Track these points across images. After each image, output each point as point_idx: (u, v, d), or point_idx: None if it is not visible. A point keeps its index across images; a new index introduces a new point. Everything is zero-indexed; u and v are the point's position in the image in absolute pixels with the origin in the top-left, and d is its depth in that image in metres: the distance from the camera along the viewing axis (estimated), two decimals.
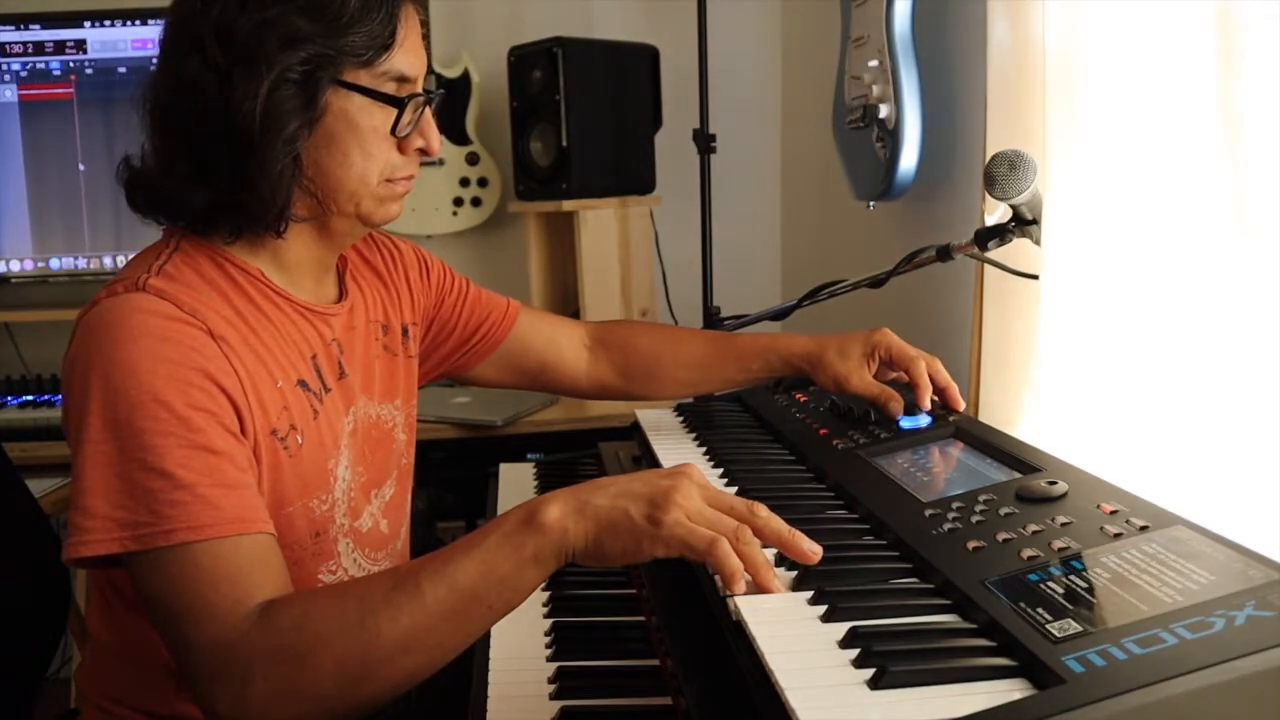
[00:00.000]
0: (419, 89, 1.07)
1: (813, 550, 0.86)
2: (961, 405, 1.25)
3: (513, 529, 0.86)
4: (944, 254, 1.36)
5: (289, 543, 1.04)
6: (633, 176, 2.38)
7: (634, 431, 1.50)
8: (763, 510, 0.87)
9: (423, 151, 1.09)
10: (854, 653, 0.71)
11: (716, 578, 0.84)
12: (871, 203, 1.79)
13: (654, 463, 1.30)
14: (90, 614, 1.15)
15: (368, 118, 1.03)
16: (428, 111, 1.08)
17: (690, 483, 0.86)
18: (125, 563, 0.92)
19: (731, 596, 0.82)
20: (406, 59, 1.04)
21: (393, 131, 1.05)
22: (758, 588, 0.83)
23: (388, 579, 0.87)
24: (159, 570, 0.89)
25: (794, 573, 0.86)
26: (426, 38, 2.53)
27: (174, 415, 0.91)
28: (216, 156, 0.99)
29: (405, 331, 1.29)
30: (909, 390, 1.24)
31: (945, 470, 1.07)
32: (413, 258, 1.33)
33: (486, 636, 1.08)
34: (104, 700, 1.11)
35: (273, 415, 1.02)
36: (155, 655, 1.02)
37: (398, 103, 1.04)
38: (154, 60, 1.05)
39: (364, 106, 1.03)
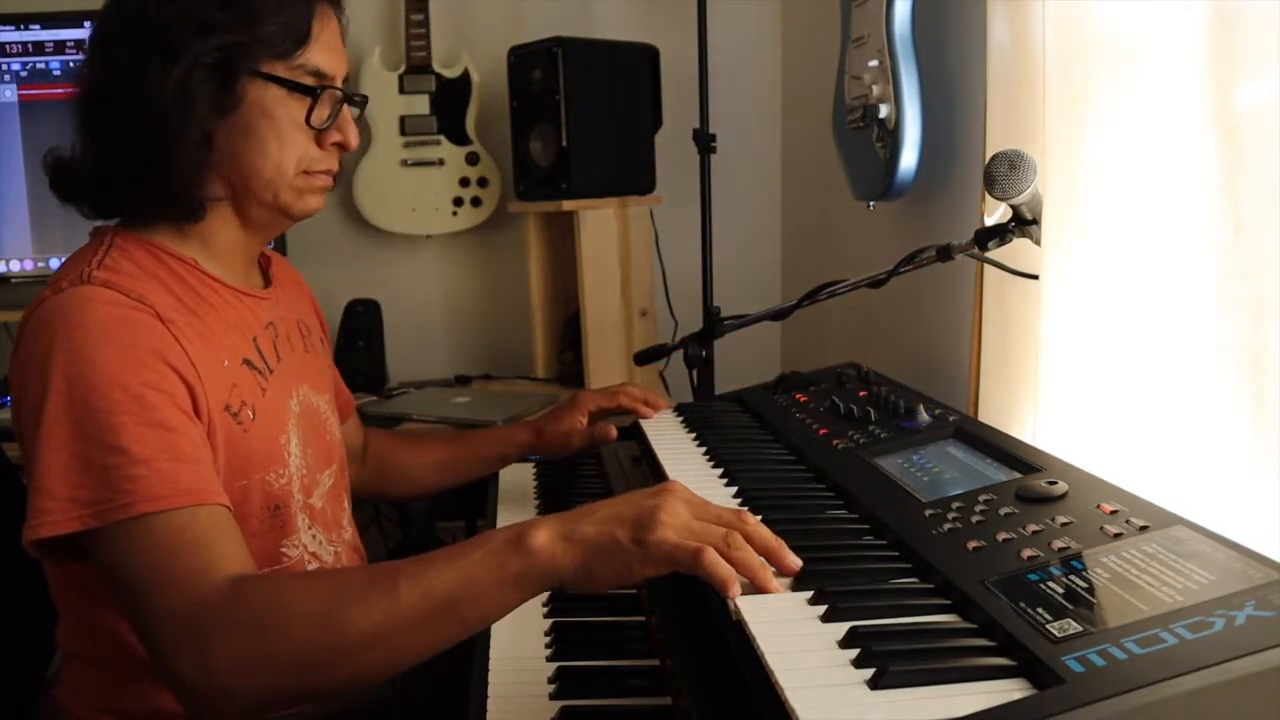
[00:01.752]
0: (338, 86, 1.13)
1: (795, 563, 0.86)
2: (664, 403, 1.50)
3: (499, 547, 0.86)
4: (944, 254, 1.35)
5: (246, 514, 1.07)
6: (633, 176, 2.38)
7: (634, 432, 1.50)
8: (750, 518, 0.87)
9: (341, 146, 1.15)
10: (854, 653, 0.71)
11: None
12: (871, 203, 1.79)
13: (654, 463, 1.30)
14: (59, 629, 1.15)
15: (284, 109, 1.09)
16: (347, 109, 1.15)
17: (674, 499, 0.87)
18: (86, 546, 0.94)
19: (732, 597, 0.82)
20: (323, 56, 1.11)
21: (307, 122, 1.10)
22: (757, 590, 0.83)
23: (366, 573, 0.89)
24: (120, 545, 0.91)
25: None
26: (424, 35, 2.53)
27: (128, 394, 0.94)
28: (131, 136, 1.04)
29: (321, 341, 1.36)
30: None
31: (945, 470, 1.07)
32: (309, 290, 1.41)
33: (486, 636, 1.08)
34: (84, 710, 1.12)
35: (223, 392, 1.06)
36: (127, 653, 1.04)
37: (311, 92, 1.10)
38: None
39: (280, 98, 1.09)
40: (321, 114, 1.12)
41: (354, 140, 1.16)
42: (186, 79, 1.02)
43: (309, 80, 1.10)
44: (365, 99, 1.22)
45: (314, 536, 1.19)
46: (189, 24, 1.03)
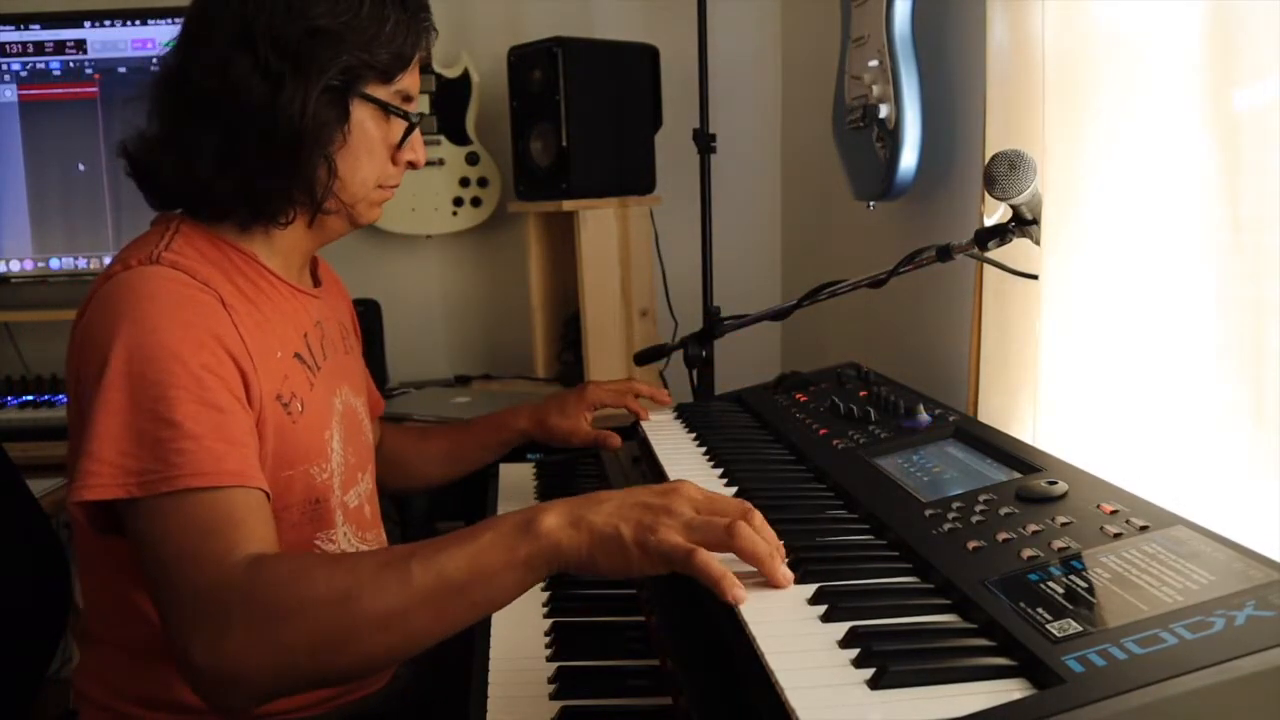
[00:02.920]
0: (415, 107, 1.17)
1: (785, 576, 0.85)
2: (669, 400, 1.55)
3: (508, 531, 0.86)
4: (944, 254, 1.35)
5: (287, 505, 1.09)
6: (633, 176, 2.38)
7: (634, 432, 1.50)
8: (757, 516, 0.87)
9: (411, 165, 1.19)
10: (854, 653, 0.72)
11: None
12: (871, 203, 1.79)
13: (654, 463, 1.30)
14: (85, 613, 1.16)
15: (378, 129, 1.13)
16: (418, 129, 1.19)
17: (681, 498, 0.87)
18: (123, 516, 0.95)
19: (728, 596, 0.81)
20: (413, 79, 1.15)
21: (400, 145, 1.15)
22: (768, 580, 0.83)
23: (380, 557, 0.89)
24: (156, 518, 0.92)
25: (794, 571, 0.86)
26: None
27: (188, 371, 0.96)
28: (258, 154, 1.06)
29: (357, 341, 1.39)
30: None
31: (945, 470, 1.07)
32: (347, 293, 1.44)
33: (487, 636, 1.08)
34: (103, 696, 1.12)
35: (275, 382, 1.08)
36: (156, 638, 1.04)
37: (410, 119, 1.15)
38: (174, 49, 1.10)
39: (375, 118, 1.13)
40: (410, 137, 1.16)
41: (423, 159, 1.20)
42: (319, 103, 1.05)
43: (397, 102, 1.14)
44: (424, 116, 1.26)
45: (346, 534, 1.20)
46: (321, 43, 1.05)
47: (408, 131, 1.15)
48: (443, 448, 1.57)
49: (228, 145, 1.06)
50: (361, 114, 1.11)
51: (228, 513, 0.93)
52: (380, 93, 1.12)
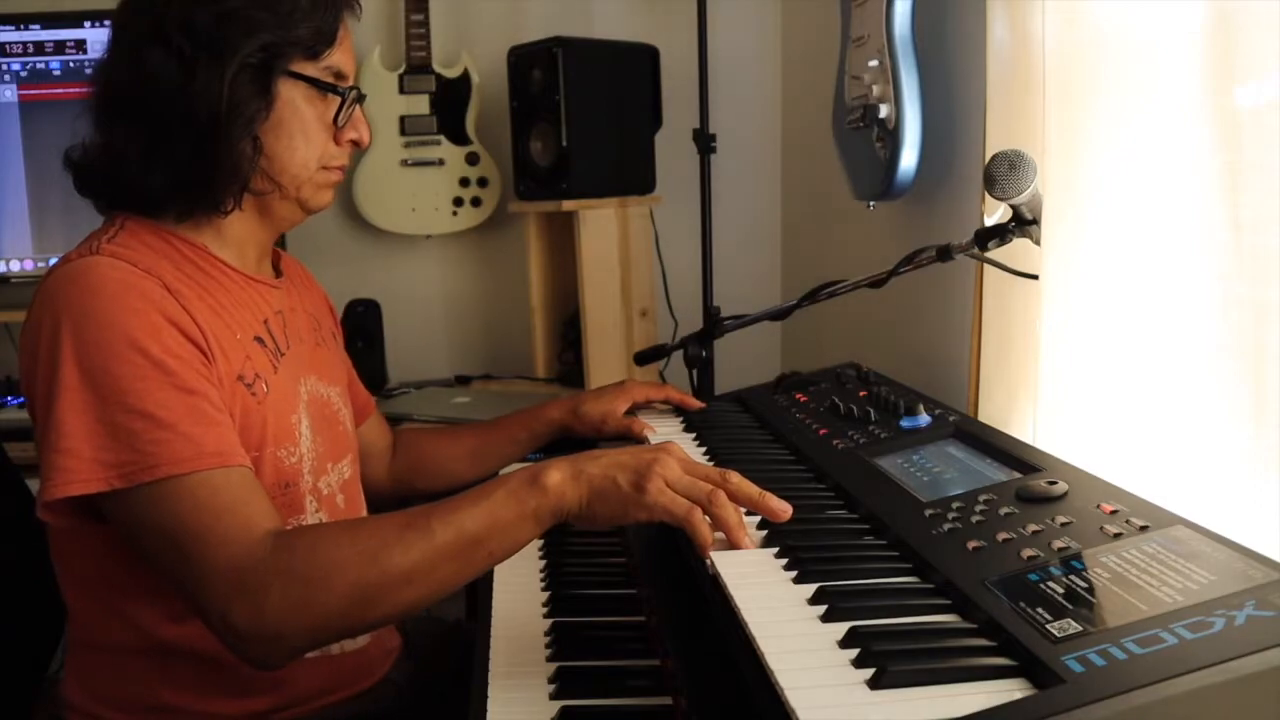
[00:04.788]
0: (356, 86, 1.17)
1: (781, 508, 0.95)
2: (701, 404, 1.50)
3: (517, 486, 0.95)
4: (944, 254, 1.35)
5: None
6: (633, 176, 2.38)
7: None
8: (734, 476, 0.96)
9: (355, 144, 1.19)
10: (854, 653, 0.72)
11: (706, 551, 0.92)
12: (871, 203, 1.79)
13: None
14: (70, 620, 1.16)
15: (311, 107, 1.13)
16: (358, 107, 1.18)
17: (670, 457, 0.96)
18: (109, 509, 0.96)
19: (709, 556, 0.90)
20: (344, 57, 1.15)
21: (335, 121, 1.15)
22: (731, 545, 0.92)
23: (400, 518, 0.95)
24: (157, 505, 0.94)
25: (794, 571, 0.87)
26: (424, 35, 2.54)
27: (149, 360, 0.97)
28: (180, 141, 1.05)
29: (334, 335, 1.38)
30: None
31: (945, 470, 1.07)
32: (322, 289, 1.43)
33: (486, 635, 1.08)
34: (86, 702, 1.12)
35: (236, 362, 1.08)
36: (140, 643, 1.07)
37: (340, 93, 1.14)
38: (103, 54, 1.11)
39: (308, 96, 1.12)
40: (344, 113, 1.15)
41: (368, 137, 1.20)
42: (236, 82, 1.05)
43: (331, 80, 1.13)
44: (364, 95, 1.24)
45: (320, 520, 1.19)
46: (235, 26, 1.05)
47: (341, 105, 1.14)
48: (470, 445, 1.55)
49: (152, 140, 1.06)
50: (291, 93, 1.10)
51: (227, 492, 0.96)
52: (308, 70, 1.11)
